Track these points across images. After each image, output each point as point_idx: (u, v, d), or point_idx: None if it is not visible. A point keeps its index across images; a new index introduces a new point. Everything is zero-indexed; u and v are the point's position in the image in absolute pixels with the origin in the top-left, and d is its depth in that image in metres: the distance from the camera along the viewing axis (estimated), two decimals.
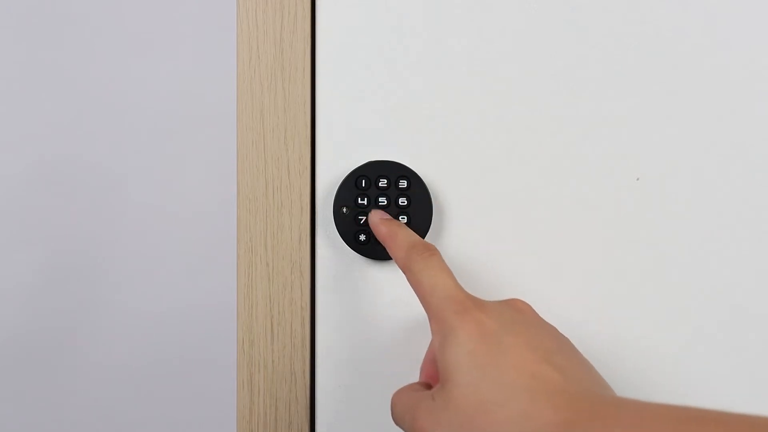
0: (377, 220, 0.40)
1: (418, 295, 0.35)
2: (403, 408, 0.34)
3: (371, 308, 0.44)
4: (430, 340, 0.44)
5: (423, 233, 0.41)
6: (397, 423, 0.35)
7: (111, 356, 0.56)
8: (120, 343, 0.56)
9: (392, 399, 0.36)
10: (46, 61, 0.55)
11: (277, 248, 0.44)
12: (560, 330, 0.36)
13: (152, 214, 0.55)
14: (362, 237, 0.41)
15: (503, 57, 0.43)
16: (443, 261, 0.35)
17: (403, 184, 0.41)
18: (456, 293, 0.33)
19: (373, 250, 0.42)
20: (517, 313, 0.34)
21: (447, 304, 0.33)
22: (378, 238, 0.39)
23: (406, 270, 0.36)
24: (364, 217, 0.41)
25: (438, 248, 0.43)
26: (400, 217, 0.41)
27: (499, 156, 0.43)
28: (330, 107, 0.44)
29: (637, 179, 0.43)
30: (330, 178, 0.44)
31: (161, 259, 0.55)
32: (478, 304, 0.33)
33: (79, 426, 0.57)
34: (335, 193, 0.42)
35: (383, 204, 0.41)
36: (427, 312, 0.34)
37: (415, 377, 0.44)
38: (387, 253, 0.41)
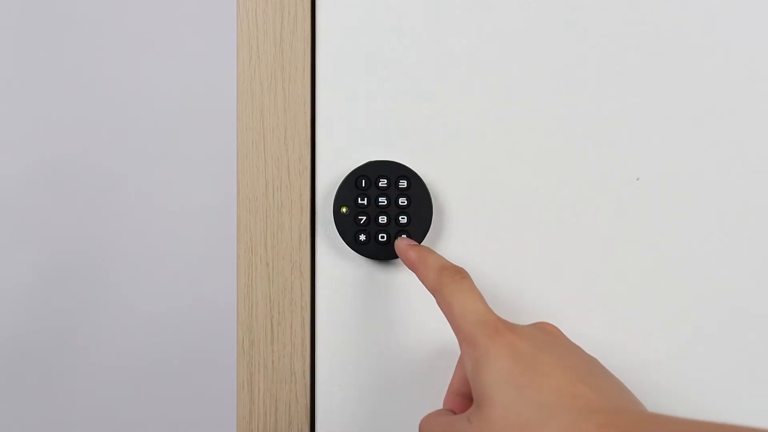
0: (404, 246, 0.39)
1: (448, 318, 0.35)
2: (434, 430, 0.34)
3: (371, 308, 0.44)
4: (428, 340, 0.44)
5: (423, 233, 0.41)
6: None
7: (111, 356, 0.56)
8: (120, 343, 0.56)
9: (421, 424, 0.36)
10: (46, 61, 0.55)
11: (277, 248, 0.44)
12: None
13: (152, 214, 0.55)
14: (362, 237, 0.41)
15: (503, 57, 0.43)
16: (474, 285, 0.35)
17: (403, 184, 0.41)
18: (487, 317, 0.33)
19: (373, 250, 0.42)
20: (548, 336, 0.34)
21: (479, 328, 0.33)
22: (406, 263, 0.39)
23: (436, 293, 0.36)
24: (364, 217, 0.41)
25: (438, 248, 0.43)
26: (400, 218, 0.41)
27: (499, 156, 0.43)
28: (330, 107, 0.44)
29: (637, 179, 0.43)
30: (330, 178, 0.44)
31: (161, 259, 0.55)
32: (510, 327, 0.33)
33: (79, 426, 0.57)
34: (335, 193, 0.42)
35: (383, 204, 0.41)
36: (457, 335, 0.34)
37: (414, 377, 0.44)
38: (386, 253, 0.42)
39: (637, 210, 0.43)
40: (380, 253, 0.42)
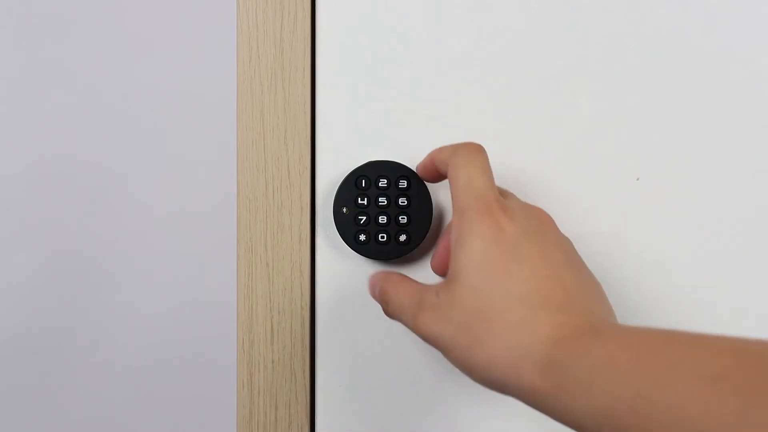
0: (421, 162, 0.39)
1: (451, 189, 0.34)
2: (403, 300, 0.34)
3: (371, 308, 0.44)
4: None
5: (423, 233, 0.41)
6: (391, 314, 0.35)
7: (111, 356, 0.56)
8: (120, 343, 0.56)
9: (386, 289, 0.35)
10: (46, 61, 0.55)
11: (277, 248, 0.44)
12: None
13: (152, 214, 0.54)
14: (362, 237, 0.41)
15: (504, 57, 0.43)
16: (488, 162, 0.34)
17: (403, 184, 0.41)
18: (487, 194, 0.32)
19: (373, 250, 0.42)
20: (539, 225, 0.33)
21: (475, 202, 0.32)
22: (425, 171, 0.38)
23: (449, 165, 0.35)
24: (364, 217, 0.41)
25: None
26: (400, 218, 0.41)
27: (498, 156, 0.43)
28: (330, 107, 0.44)
29: (637, 179, 0.43)
30: (330, 178, 0.44)
31: (161, 259, 0.55)
32: (504, 208, 0.32)
33: (79, 426, 0.57)
34: (335, 193, 0.42)
35: (383, 204, 0.41)
36: (453, 206, 0.33)
37: (414, 378, 0.44)
38: (386, 253, 0.42)
39: (637, 210, 0.43)
40: (380, 253, 0.42)
